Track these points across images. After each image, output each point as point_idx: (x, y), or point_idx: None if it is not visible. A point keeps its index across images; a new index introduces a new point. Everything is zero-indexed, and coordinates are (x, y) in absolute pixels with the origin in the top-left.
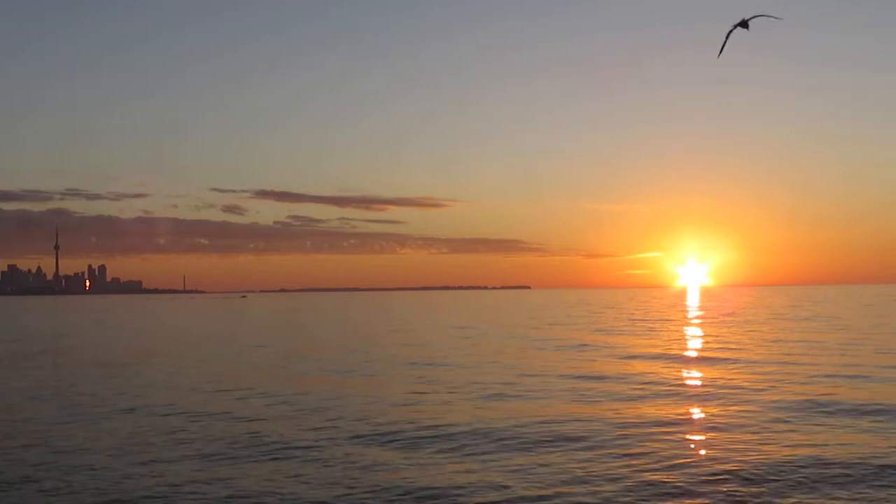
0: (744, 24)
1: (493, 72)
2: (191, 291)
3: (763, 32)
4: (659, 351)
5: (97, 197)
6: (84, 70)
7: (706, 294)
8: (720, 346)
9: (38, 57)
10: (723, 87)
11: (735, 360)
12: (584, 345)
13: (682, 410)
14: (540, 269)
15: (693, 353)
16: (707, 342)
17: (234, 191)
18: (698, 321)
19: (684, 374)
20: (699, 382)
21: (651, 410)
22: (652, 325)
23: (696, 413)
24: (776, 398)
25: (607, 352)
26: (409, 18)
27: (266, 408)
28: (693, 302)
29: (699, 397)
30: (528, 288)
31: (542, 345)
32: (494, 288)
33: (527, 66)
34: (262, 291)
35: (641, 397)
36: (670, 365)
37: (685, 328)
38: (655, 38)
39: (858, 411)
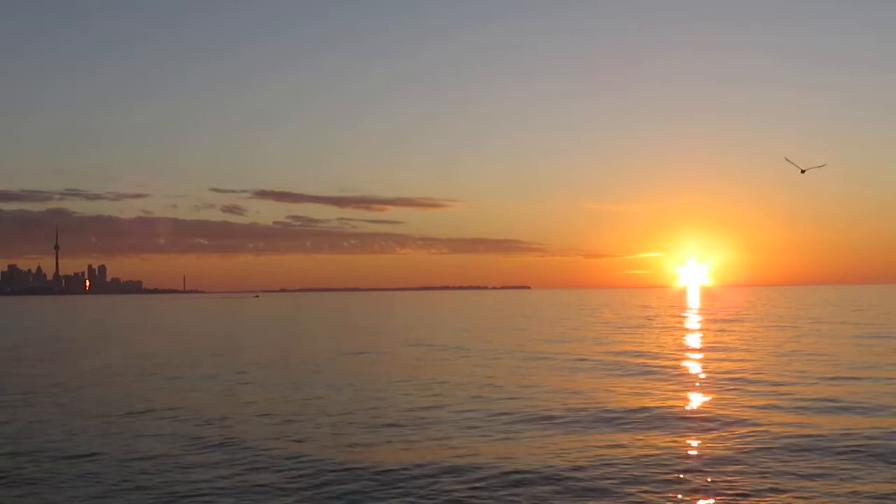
0: (802, 171)
1: (493, 72)
2: (191, 291)
3: (763, 32)
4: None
5: (97, 197)
6: (84, 70)
7: (706, 294)
8: (698, 355)
9: (38, 57)
10: (723, 87)
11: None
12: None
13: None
14: (540, 269)
15: (662, 365)
16: (688, 350)
17: (233, 191)
18: (687, 325)
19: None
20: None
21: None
22: (636, 330)
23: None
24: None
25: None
26: (409, 18)
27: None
28: (689, 303)
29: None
30: (528, 288)
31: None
32: (494, 288)
33: (527, 66)
34: (262, 291)
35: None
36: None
37: (667, 332)
38: (655, 38)
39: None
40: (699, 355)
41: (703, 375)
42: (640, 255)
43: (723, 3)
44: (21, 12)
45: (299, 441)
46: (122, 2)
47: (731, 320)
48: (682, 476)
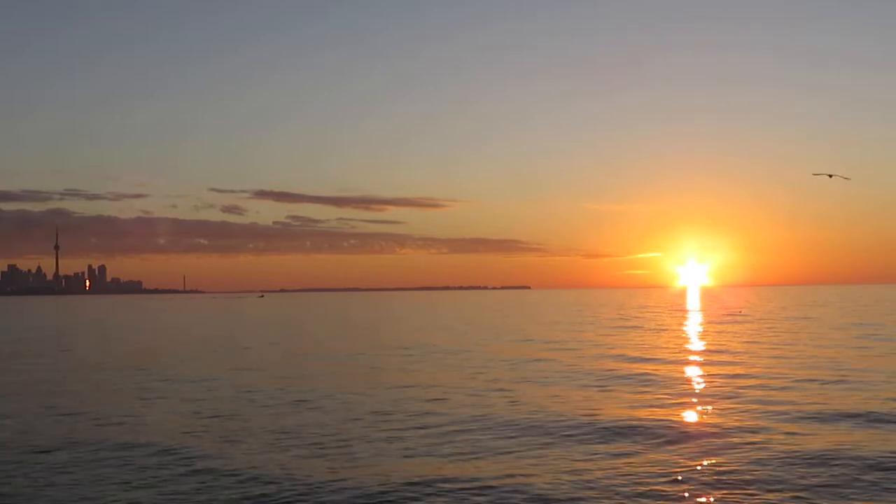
0: (830, 175)
1: (493, 72)
2: (191, 291)
3: (763, 32)
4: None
5: (97, 197)
6: (84, 70)
7: (706, 295)
8: (697, 358)
9: (38, 57)
10: (723, 87)
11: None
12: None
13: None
14: (540, 269)
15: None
16: (687, 353)
17: (233, 191)
18: (686, 326)
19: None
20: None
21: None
22: (632, 332)
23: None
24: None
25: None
26: (409, 18)
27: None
28: (689, 303)
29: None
30: (528, 288)
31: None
32: (494, 288)
33: (527, 66)
34: (261, 291)
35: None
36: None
37: (665, 334)
38: (655, 38)
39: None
40: (698, 358)
41: (702, 382)
42: (639, 256)
43: (723, 3)
44: (21, 12)
45: (280, 454)
46: (122, 2)
47: (730, 322)
48: (678, 493)
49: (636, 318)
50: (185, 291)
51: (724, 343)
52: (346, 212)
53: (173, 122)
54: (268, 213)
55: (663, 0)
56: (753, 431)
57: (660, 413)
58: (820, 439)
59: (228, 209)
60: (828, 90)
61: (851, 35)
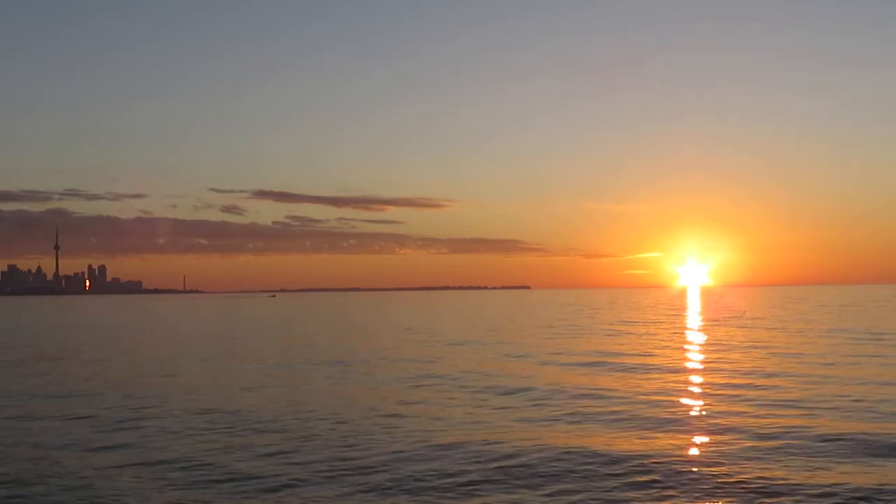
0: None
1: (493, 72)
2: (191, 291)
3: (763, 32)
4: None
5: (96, 197)
6: (84, 70)
7: (706, 295)
8: (698, 364)
9: (38, 57)
10: (723, 87)
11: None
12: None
13: None
14: (540, 270)
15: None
16: (686, 364)
17: (232, 191)
18: (686, 329)
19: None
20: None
21: None
22: (627, 336)
23: None
24: None
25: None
26: (409, 18)
27: None
28: (689, 304)
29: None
30: (528, 288)
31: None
32: (494, 288)
33: (527, 66)
34: (261, 291)
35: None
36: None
37: (664, 338)
38: (655, 38)
39: None
40: (698, 366)
41: (699, 396)
42: (639, 256)
43: (723, 3)
44: (21, 12)
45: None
46: (122, 2)
47: (738, 325)
48: None
49: (634, 320)
50: (184, 291)
51: (724, 348)
52: (346, 212)
53: (173, 122)
54: (267, 213)
55: (663, 0)
56: (766, 453)
57: (648, 441)
58: (846, 474)
59: (228, 209)
60: (828, 90)
61: (851, 35)
